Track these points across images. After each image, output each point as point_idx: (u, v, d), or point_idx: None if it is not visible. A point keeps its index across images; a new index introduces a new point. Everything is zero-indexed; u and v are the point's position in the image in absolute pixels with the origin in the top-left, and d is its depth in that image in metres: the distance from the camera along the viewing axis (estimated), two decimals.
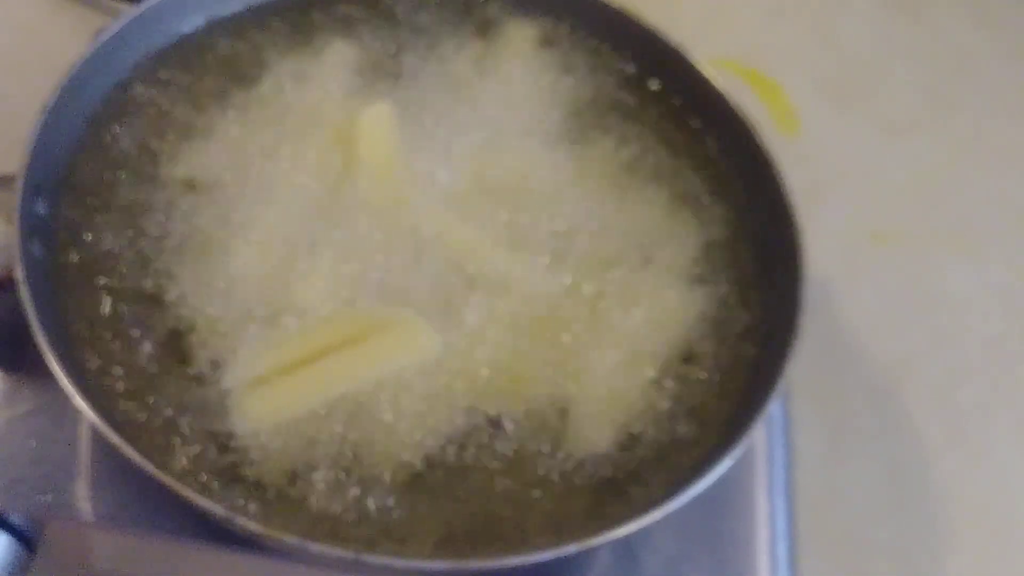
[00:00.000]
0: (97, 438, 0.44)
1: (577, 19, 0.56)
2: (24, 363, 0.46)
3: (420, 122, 0.51)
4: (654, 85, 0.55)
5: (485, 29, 0.56)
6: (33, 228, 0.43)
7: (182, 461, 0.41)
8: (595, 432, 0.44)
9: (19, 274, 0.41)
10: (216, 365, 0.43)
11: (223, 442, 0.41)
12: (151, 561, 0.46)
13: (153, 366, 0.43)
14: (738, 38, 0.75)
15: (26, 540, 0.44)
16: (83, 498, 0.43)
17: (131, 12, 0.50)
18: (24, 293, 0.40)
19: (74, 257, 0.45)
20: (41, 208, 0.45)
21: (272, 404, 0.42)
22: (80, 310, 0.44)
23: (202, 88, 0.51)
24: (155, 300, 0.44)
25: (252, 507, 0.40)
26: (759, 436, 0.49)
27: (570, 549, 0.38)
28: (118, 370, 0.42)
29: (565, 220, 0.49)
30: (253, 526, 0.37)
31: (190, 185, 0.48)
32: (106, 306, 0.44)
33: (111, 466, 0.44)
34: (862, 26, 0.78)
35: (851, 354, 0.61)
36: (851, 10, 0.79)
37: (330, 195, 0.48)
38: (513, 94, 0.53)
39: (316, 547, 0.37)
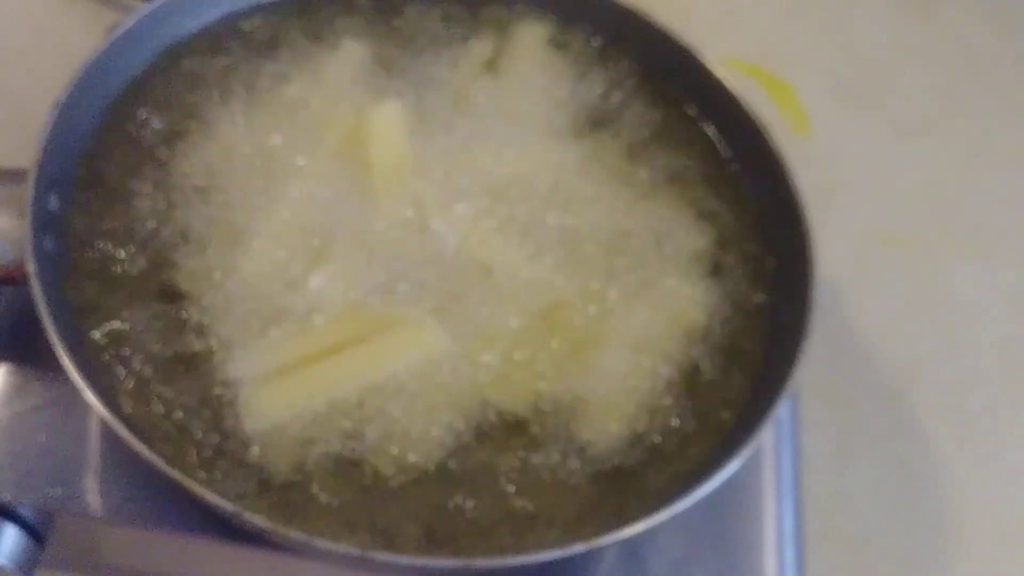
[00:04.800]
0: (107, 432, 0.44)
1: (588, 19, 0.56)
2: (35, 357, 0.46)
3: (430, 121, 0.51)
4: (665, 85, 0.55)
5: (496, 29, 0.56)
6: (45, 223, 0.44)
7: (190, 456, 0.41)
8: (602, 431, 0.44)
9: (31, 268, 0.41)
10: (225, 361, 0.43)
11: (231, 438, 0.42)
12: (159, 555, 0.46)
13: (163, 361, 0.43)
14: (750, 39, 0.75)
15: (35, 533, 0.44)
16: (92, 492, 0.43)
17: (144, 8, 0.50)
18: (35, 287, 0.40)
19: (86, 252, 0.45)
20: (53, 203, 0.45)
21: (280, 401, 0.42)
22: (91, 305, 0.44)
23: (214, 85, 0.51)
24: (166, 296, 0.44)
25: (259, 503, 0.40)
26: (767, 437, 0.49)
27: (576, 549, 0.38)
28: (128, 365, 0.43)
29: (575, 219, 0.49)
30: (260, 522, 0.37)
31: (202, 182, 0.48)
32: (117, 301, 0.44)
33: (120, 460, 0.44)
34: (874, 27, 0.78)
35: (861, 356, 0.61)
36: (863, 11, 0.79)
37: (340, 193, 0.48)
38: (523, 94, 0.53)
39: (322, 543, 0.37)
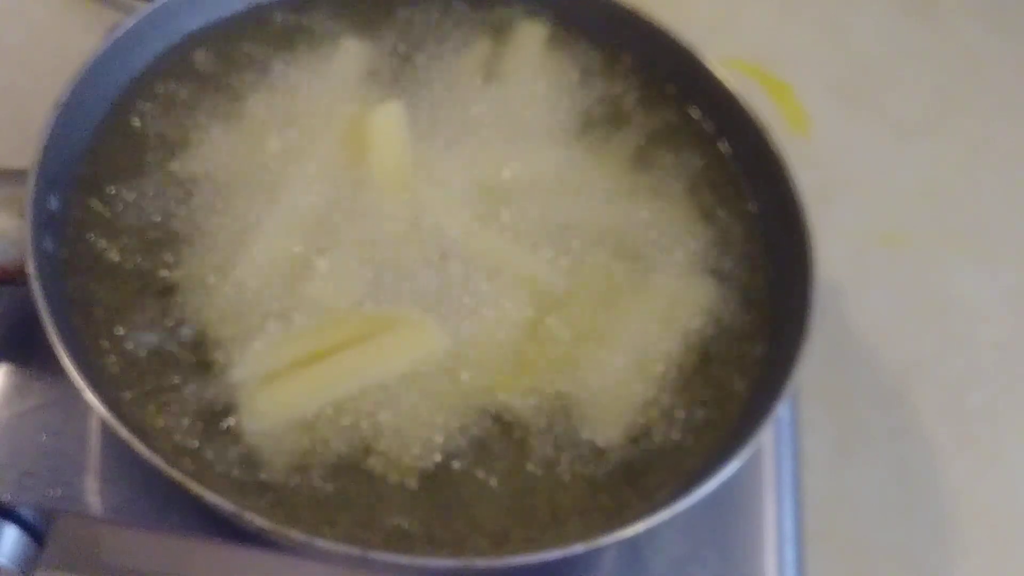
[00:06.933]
0: (107, 433, 0.44)
1: (588, 19, 0.56)
2: (35, 357, 0.46)
3: (431, 120, 0.51)
4: (665, 85, 0.55)
5: (495, 29, 0.56)
6: (45, 223, 0.44)
7: (191, 456, 0.41)
8: (602, 431, 0.44)
9: (31, 269, 0.41)
10: (226, 361, 0.43)
11: (232, 438, 0.42)
12: (159, 556, 0.46)
13: (163, 361, 0.43)
14: (749, 39, 0.75)
15: (35, 534, 0.44)
16: (92, 492, 0.43)
17: (144, 9, 0.50)
18: (35, 288, 0.40)
19: (86, 252, 0.45)
20: (53, 203, 0.45)
21: (281, 401, 0.42)
22: (91, 305, 0.44)
23: (215, 85, 0.51)
24: (166, 296, 0.44)
25: (260, 503, 0.40)
26: (767, 437, 0.49)
27: (576, 549, 0.38)
28: (128, 365, 0.43)
29: (575, 218, 0.49)
30: (261, 522, 0.37)
31: (202, 182, 0.48)
32: (117, 301, 0.44)
33: (120, 461, 0.44)
34: (873, 27, 0.78)
35: (860, 356, 0.61)
36: (862, 11, 0.79)
37: (341, 193, 0.48)
38: (523, 93, 0.53)
39: (323, 543, 0.37)
